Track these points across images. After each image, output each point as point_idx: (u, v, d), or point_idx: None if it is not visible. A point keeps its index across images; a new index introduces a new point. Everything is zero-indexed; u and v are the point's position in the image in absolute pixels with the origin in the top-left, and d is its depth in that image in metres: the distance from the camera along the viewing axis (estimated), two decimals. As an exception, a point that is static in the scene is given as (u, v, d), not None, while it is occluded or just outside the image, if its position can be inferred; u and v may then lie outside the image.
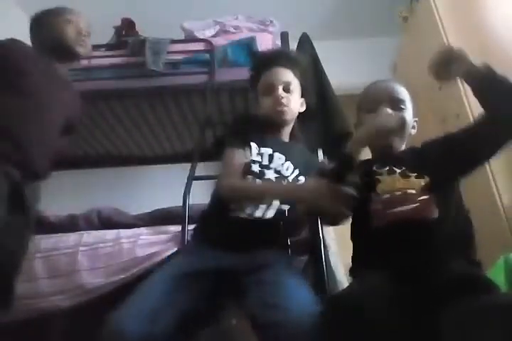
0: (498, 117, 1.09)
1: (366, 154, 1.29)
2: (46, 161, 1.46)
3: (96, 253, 1.64)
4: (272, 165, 1.34)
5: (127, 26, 2.43)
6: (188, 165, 1.77)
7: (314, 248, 1.49)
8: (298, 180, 1.37)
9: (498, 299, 0.91)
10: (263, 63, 1.49)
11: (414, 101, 1.33)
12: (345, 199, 1.05)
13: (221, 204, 1.28)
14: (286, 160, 1.37)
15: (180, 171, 1.89)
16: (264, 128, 1.41)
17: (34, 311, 1.55)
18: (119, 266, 1.60)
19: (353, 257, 1.22)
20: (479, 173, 1.43)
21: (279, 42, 2.10)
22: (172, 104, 2.24)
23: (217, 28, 2.34)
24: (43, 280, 1.60)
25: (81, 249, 1.65)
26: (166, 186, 2.58)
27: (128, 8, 2.82)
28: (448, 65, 1.15)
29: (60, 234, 1.75)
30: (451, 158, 1.14)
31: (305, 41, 2.06)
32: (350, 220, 1.23)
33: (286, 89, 1.40)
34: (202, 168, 1.79)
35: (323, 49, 2.11)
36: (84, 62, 1.99)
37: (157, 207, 1.95)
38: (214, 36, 2.30)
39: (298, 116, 1.48)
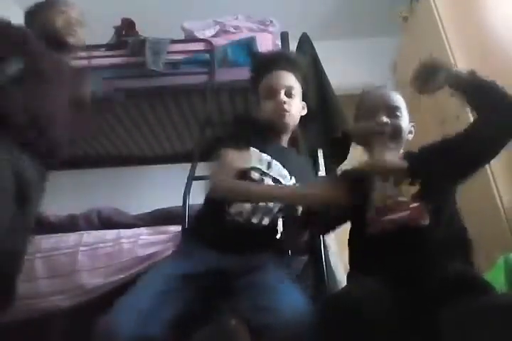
0: (490, 122, 1.10)
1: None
2: (64, 138, 1.49)
3: (96, 253, 1.64)
4: (271, 173, 1.32)
5: (127, 26, 2.43)
6: (188, 165, 1.77)
7: (314, 248, 1.49)
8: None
9: (498, 299, 0.91)
10: (264, 65, 1.47)
11: (413, 102, 1.34)
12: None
13: (217, 206, 1.27)
14: (283, 168, 1.36)
15: (180, 171, 1.89)
16: (264, 132, 1.40)
17: (34, 311, 1.55)
18: (119, 266, 1.61)
19: (350, 263, 1.23)
20: (480, 175, 1.43)
21: (279, 43, 2.10)
22: (172, 104, 2.24)
23: (217, 28, 2.34)
24: (43, 280, 1.60)
25: (81, 248, 1.66)
26: (166, 186, 2.58)
27: (128, 8, 2.82)
28: (431, 76, 1.16)
29: (60, 234, 1.75)
30: (449, 162, 1.15)
31: (305, 41, 2.06)
32: (349, 227, 1.28)
33: (288, 94, 1.39)
34: (202, 168, 1.79)
35: (323, 49, 2.11)
36: (84, 62, 1.99)
37: (157, 207, 1.95)
38: (214, 36, 2.30)
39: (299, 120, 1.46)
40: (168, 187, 2.14)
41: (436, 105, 2.23)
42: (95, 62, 2.09)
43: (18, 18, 1.58)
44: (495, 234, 1.73)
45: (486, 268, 1.36)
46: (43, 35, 1.54)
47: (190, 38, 2.31)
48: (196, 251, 1.23)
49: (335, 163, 1.84)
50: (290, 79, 1.41)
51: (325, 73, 2.00)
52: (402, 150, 1.30)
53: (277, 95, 1.37)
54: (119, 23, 2.46)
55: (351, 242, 1.26)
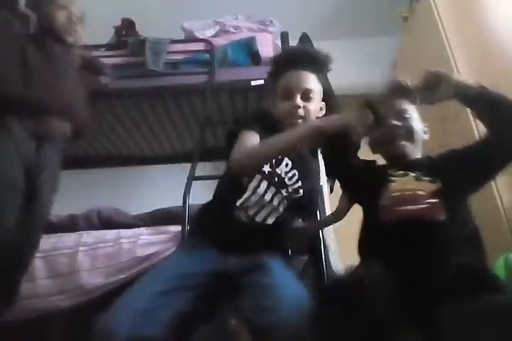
0: (501, 136, 1.12)
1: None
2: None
3: (96, 254, 1.64)
4: (277, 170, 1.30)
5: (127, 26, 2.43)
6: (188, 165, 1.77)
7: (314, 248, 1.49)
8: (298, 191, 1.33)
9: (499, 299, 0.91)
10: (285, 63, 1.39)
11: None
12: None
13: (222, 205, 1.26)
14: (292, 168, 1.32)
15: (180, 171, 1.89)
16: (277, 128, 1.32)
17: (34, 311, 1.56)
18: (119, 266, 1.61)
19: (358, 252, 1.23)
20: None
21: (279, 43, 2.10)
22: (172, 104, 2.24)
23: (217, 28, 2.34)
24: (42, 280, 1.60)
25: (81, 249, 1.66)
26: (166, 186, 2.58)
27: (128, 8, 2.82)
28: (437, 87, 1.16)
29: (59, 234, 1.75)
30: (461, 173, 1.17)
31: (305, 41, 2.06)
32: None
33: (306, 97, 1.32)
34: (202, 168, 1.79)
35: (323, 49, 2.11)
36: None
37: (157, 207, 1.95)
38: (214, 36, 2.30)
39: None
40: (168, 187, 2.14)
41: (436, 104, 2.23)
42: (95, 62, 2.09)
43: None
44: (495, 233, 1.73)
45: (486, 268, 1.36)
46: (41, 30, 1.52)
47: (190, 38, 2.31)
48: (198, 249, 1.21)
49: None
50: (310, 81, 1.33)
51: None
52: (420, 153, 1.30)
53: (294, 98, 1.30)
54: (119, 23, 2.46)
55: (362, 230, 1.26)
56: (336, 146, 1.26)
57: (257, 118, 1.38)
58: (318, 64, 1.38)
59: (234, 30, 2.31)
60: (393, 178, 1.21)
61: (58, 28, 1.54)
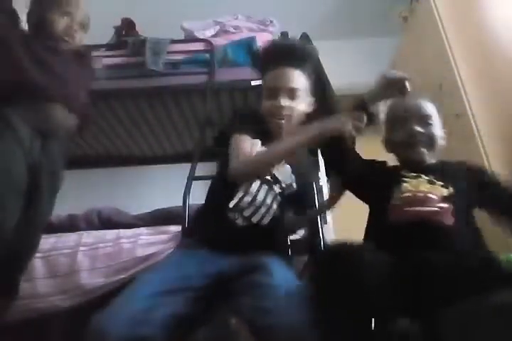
0: None
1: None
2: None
3: (96, 253, 1.64)
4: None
5: (127, 26, 2.43)
6: (188, 165, 1.77)
7: (314, 248, 1.49)
8: (291, 186, 1.32)
9: (500, 299, 0.91)
10: (269, 60, 1.36)
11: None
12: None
13: (218, 206, 1.25)
14: (283, 163, 1.31)
15: (180, 171, 1.89)
16: (267, 128, 1.32)
17: (34, 311, 1.55)
18: (119, 266, 1.61)
19: None
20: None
21: (279, 42, 2.10)
22: (172, 104, 2.24)
23: (217, 28, 2.34)
24: (42, 281, 1.60)
25: (81, 249, 1.66)
26: (166, 186, 2.58)
27: (128, 8, 2.82)
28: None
29: (59, 234, 1.75)
30: (476, 193, 1.22)
31: (305, 41, 2.06)
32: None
33: (291, 96, 1.29)
34: (202, 168, 1.79)
35: (323, 49, 2.11)
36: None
37: (157, 207, 1.95)
38: (214, 36, 2.30)
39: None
40: (168, 187, 2.14)
41: (436, 103, 2.23)
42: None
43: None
44: (495, 233, 1.73)
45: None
46: (39, 33, 1.50)
47: (190, 38, 2.31)
48: (196, 251, 1.21)
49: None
50: (295, 79, 1.30)
51: (325, 73, 2.00)
52: (435, 159, 1.31)
53: (278, 98, 1.28)
54: (119, 23, 2.46)
55: (367, 229, 1.27)
56: (332, 146, 1.27)
57: (246, 118, 1.36)
58: (303, 59, 1.34)
59: (234, 30, 2.31)
60: (406, 179, 1.22)
61: (55, 35, 1.50)
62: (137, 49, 2.10)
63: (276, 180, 1.29)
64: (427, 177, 1.21)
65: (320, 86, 1.89)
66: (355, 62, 3.16)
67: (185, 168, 1.78)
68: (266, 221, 1.25)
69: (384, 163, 1.37)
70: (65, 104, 1.44)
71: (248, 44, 2.11)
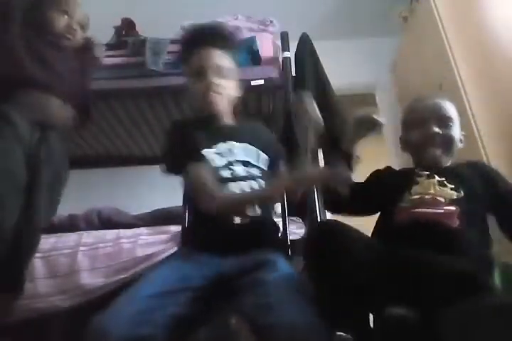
0: None
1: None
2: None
3: (96, 253, 1.64)
4: (237, 158, 1.28)
5: (127, 26, 2.42)
6: (188, 165, 1.76)
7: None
8: (261, 159, 1.32)
9: (500, 299, 0.91)
10: (192, 41, 1.37)
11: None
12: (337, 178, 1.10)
13: (200, 211, 1.23)
14: (241, 145, 1.30)
15: (180, 171, 1.89)
16: (203, 125, 1.32)
17: (34, 311, 1.55)
18: (119, 266, 1.61)
19: None
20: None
21: (279, 43, 2.10)
22: (172, 104, 2.24)
23: (217, 28, 2.34)
24: (42, 281, 1.60)
25: (81, 249, 1.66)
26: (166, 186, 2.57)
27: (128, 8, 2.82)
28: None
29: (59, 234, 1.75)
30: (488, 198, 1.21)
31: (305, 41, 2.06)
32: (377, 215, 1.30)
33: (220, 74, 1.30)
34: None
35: (323, 49, 2.11)
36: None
37: (157, 207, 1.95)
38: (214, 36, 2.29)
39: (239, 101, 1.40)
40: (168, 187, 2.14)
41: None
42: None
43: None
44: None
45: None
46: (40, 30, 1.50)
47: (190, 38, 2.30)
48: (193, 253, 1.21)
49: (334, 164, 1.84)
50: (221, 58, 1.32)
51: (325, 73, 2.00)
52: (450, 161, 1.30)
53: (206, 76, 1.28)
54: (119, 23, 2.46)
55: (375, 229, 1.27)
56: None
57: (182, 141, 1.30)
58: (227, 41, 1.37)
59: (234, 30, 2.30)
60: (418, 179, 1.22)
61: (56, 32, 1.52)
62: (137, 49, 2.09)
63: (244, 176, 1.26)
64: (438, 179, 1.21)
65: (319, 89, 1.90)
66: (355, 62, 3.16)
67: (185, 168, 1.77)
68: (252, 213, 1.22)
69: (389, 167, 1.37)
70: (62, 96, 1.45)
71: (248, 44, 2.10)
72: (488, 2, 2.17)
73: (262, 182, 1.28)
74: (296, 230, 1.68)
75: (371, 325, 1.05)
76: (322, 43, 2.21)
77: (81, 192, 2.84)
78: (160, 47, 2.08)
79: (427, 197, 1.17)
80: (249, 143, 1.33)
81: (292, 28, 2.05)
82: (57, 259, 1.64)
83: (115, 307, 0.99)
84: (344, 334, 1.11)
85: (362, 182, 1.36)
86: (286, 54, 2.00)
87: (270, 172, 1.35)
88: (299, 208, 1.62)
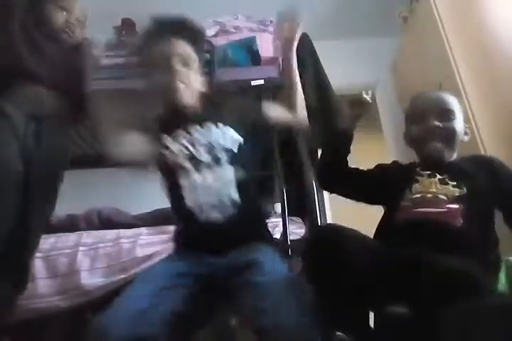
0: None
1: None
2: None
3: (96, 254, 1.64)
4: (200, 150, 1.24)
5: (127, 26, 2.43)
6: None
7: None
8: (236, 141, 1.26)
9: (500, 299, 0.91)
10: (159, 31, 1.33)
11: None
12: None
13: (181, 209, 1.22)
14: (203, 126, 1.27)
15: (180, 171, 1.89)
16: (172, 116, 1.29)
17: (33, 311, 1.56)
18: (119, 266, 1.61)
19: None
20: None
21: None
22: (172, 104, 2.24)
23: (217, 28, 2.34)
24: (42, 281, 1.60)
25: (81, 249, 1.66)
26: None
27: (128, 8, 2.82)
28: None
29: (59, 234, 1.75)
30: (492, 191, 1.18)
31: (305, 41, 2.06)
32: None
33: (184, 63, 1.26)
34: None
35: (323, 49, 2.11)
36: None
37: (157, 207, 1.94)
38: (214, 36, 2.29)
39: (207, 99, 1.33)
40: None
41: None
42: (95, 62, 2.09)
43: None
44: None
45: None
46: (37, 27, 1.49)
47: (190, 38, 2.30)
48: (184, 253, 1.21)
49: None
50: (185, 48, 1.28)
51: (325, 73, 2.00)
52: (454, 155, 1.29)
53: (171, 63, 1.24)
54: (119, 23, 2.46)
55: (378, 229, 1.26)
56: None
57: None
58: (193, 34, 1.34)
59: (234, 30, 2.30)
60: (419, 178, 1.21)
61: (54, 29, 1.52)
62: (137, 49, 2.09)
63: (205, 165, 1.23)
64: (440, 177, 1.19)
65: (318, 87, 1.90)
66: (355, 62, 3.16)
67: (185, 168, 1.77)
68: (235, 196, 1.19)
69: (395, 162, 1.37)
70: (57, 89, 1.46)
71: (248, 44, 2.10)
72: (488, 2, 2.17)
73: (229, 167, 1.23)
74: (296, 230, 1.68)
75: (371, 325, 1.05)
76: (322, 43, 2.21)
77: (81, 192, 2.85)
78: (160, 47, 2.08)
79: (428, 195, 1.16)
80: (217, 124, 1.27)
81: (292, 28, 2.05)
82: (57, 259, 1.64)
83: (114, 308, 0.98)
84: (342, 335, 1.11)
85: (366, 170, 1.35)
86: (287, 54, 2.00)
87: (246, 153, 1.29)
88: (299, 208, 1.62)
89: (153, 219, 1.86)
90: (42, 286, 1.59)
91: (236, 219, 1.19)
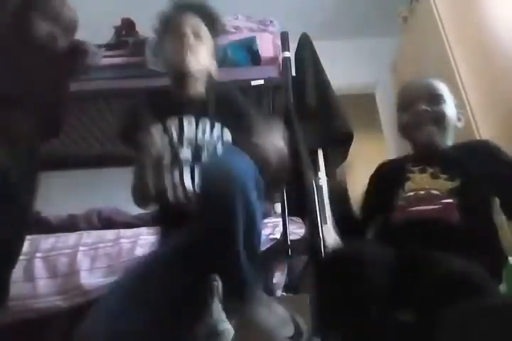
0: None
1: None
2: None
3: (96, 254, 1.64)
4: (184, 139, 1.24)
5: (127, 26, 2.42)
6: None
7: (314, 248, 1.49)
8: (222, 136, 1.25)
9: (500, 300, 0.91)
10: (180, 7, 1.37)
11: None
12: None
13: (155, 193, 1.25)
14: (199, 121, 1.26)
15: (180, 171, 1.89)
16: (169, 96, 1.30)
17: (33, 311, 1.55)
18: (119, 266, 1.60)
19: None
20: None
21: (279, 43, 2.10)
22: (172, 104, 2.24)
23: (217, 28, 2.34)
24: (42, 281, 1.60)
25: (81, 249, 1.66)
26: (166, 186, 2.57)
27: (128, 8, 2.82)
28: None
29: (59, 234, 1.75)
30: (486, 177, 1.14)
31: (305, 41, 2.06)
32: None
33: (196, 36, 1.29)
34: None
35: (323, 49, 2.11)
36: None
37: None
38: (214, 36, 2.29)
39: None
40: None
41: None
42: (95, 62, 2.09)
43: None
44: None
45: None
46: (20, 38, 1.42)
47: (190, 38, 2.30)
48: (162, 234, 1.26)
49: (335, 164, 1.84)
50: (202, 26, 1.31)
51: (325, 73, 2.00)
52: (450, 141, 1.26)
53: (185, 34, 1.27)
54: (119, 23, 2.46)
55: (375, 229, 1.26)
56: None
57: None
58: (211, 17, 1.36)
59: (234, 30, 2.30)
60: (410, 175, 1.20)
61: (37, 38, 1.42)
62: (137, 49, 2.10)
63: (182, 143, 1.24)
64: (431, 170, 1.17)
65: (318, 87, 1.90)
66: (355, 62, 3.16)
67: (185, 168, 1.77)
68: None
69: (392, 160, 1.36)
70: (32, 110, 1.39)
71: (248, 44, 2.10)
72: (488, 2, 2.17)
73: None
74: (296, 230, 1.68)
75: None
76: (322, 43, 2.21)
77: (81, 192, 2.85)
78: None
79: (421, 192, 1.14)
80: (210, 120, 1.26)
81: (292, 28, 2.05)
82: (57, 259, 1.64)
83: (93, 313, 0.99)
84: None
85: (365, 202, 1.34)
86: (286, 54, 2.00)
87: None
88: (299, 208, 1.62)
89: (154, 219, 1.86)
90: (42, 286, 1.58)
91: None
